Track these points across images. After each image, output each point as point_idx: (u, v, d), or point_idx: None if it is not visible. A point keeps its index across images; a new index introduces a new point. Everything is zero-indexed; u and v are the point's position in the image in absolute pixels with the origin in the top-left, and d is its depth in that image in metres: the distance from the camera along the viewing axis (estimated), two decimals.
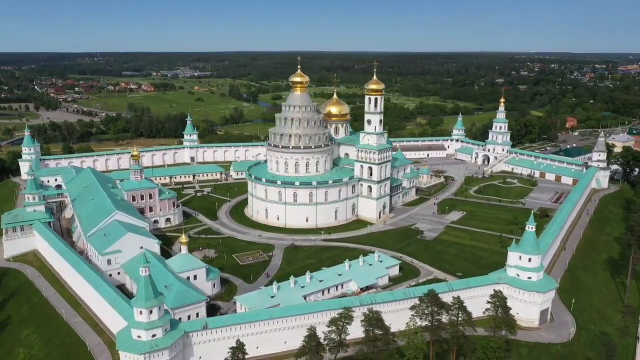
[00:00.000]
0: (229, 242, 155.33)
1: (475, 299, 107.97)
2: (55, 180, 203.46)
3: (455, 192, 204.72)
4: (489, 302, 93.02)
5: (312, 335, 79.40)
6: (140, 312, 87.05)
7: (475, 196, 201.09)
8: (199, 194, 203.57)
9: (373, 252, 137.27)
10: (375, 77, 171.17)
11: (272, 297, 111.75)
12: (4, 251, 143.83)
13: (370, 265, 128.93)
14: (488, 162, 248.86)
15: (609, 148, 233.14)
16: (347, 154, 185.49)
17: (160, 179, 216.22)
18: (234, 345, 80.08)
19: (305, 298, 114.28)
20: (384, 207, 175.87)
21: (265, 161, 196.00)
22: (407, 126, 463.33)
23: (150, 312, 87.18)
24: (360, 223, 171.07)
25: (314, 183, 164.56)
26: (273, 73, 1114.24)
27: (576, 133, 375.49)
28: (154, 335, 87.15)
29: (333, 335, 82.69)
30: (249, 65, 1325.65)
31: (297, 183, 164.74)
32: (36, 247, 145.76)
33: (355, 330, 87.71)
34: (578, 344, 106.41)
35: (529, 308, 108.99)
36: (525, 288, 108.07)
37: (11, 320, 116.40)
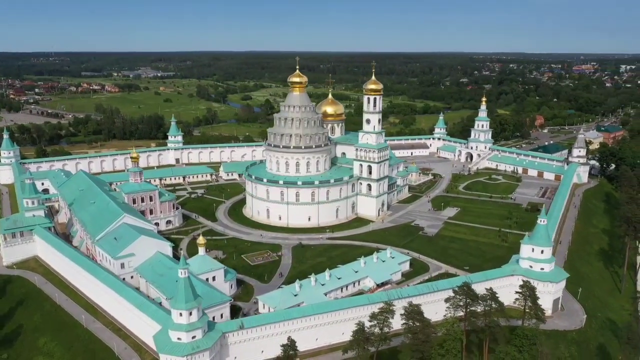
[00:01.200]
0: (234, 243, 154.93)
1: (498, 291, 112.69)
2: (42, 184, 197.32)
3: (446, 189, 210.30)
4: (518, 292, 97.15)
5: (359, 330, 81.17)
6: (180, 314, 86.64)
7: (465, 192, 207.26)
8: (192, 196, 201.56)
9: (380, 250, 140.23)
10: (373, 77, 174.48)
11: (295, 295, 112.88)
12: (2, 258, 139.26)
13: (383, 261, 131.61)
14: (471, 159, 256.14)
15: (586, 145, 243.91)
16: (344, 153, 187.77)
17: (150, 181, 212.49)
18: (285, 342, 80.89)
19: (325, 295, 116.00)
20: (383, 204, 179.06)
21: (261, 161, 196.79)
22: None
23: (190, 313, 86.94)
24: (361, 221, 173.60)
25: (317, 182, 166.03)
26: (238, 73, 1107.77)
27: (545, 130, 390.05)
28: (193, 337, 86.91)
29: (375, 330, 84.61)
30: (213, 66, 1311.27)
31: (299, 183, 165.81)
32: (36, 253, 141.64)
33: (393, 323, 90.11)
34: (590, 331, 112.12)
35: (543, 297, 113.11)
36: (539, 278, 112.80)
37: (24, 328, 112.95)
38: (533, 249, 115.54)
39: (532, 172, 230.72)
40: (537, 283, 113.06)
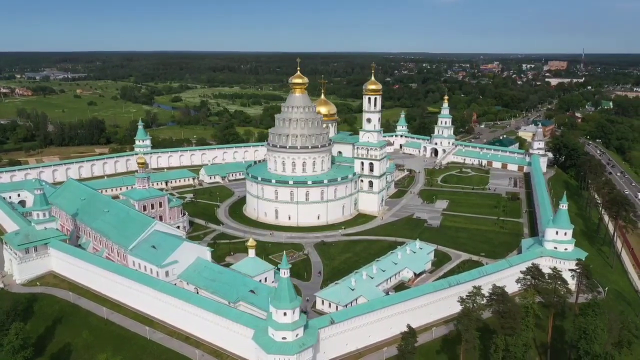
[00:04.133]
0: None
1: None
2: (18, 195, 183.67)
3: (425, 183, 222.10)
4: (572, 270, 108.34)
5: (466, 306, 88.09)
6: (285, 314, 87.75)
7: (445, 185, 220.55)
8: (184, 201, 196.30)
9: (400, 243, 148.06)
10: (373, 78, 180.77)
11: (352, 290, 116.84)
12: (16, 276, 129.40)
13: (414, 252, 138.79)
14: (436, 154, 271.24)
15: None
16: (340, 152, 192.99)
17: (132, 187, 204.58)
18: (405, 330, 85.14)
19: (377, 287, 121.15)
20: (382, 200, 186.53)
21: (259, 161, 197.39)
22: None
23: (293, 312, 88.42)
24: (365, 217, 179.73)
25: (325, 181, 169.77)
26: (157, 74, 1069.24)
27: (482, 126, 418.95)
28: (297, 335, 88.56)
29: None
30: (126, 66, 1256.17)
31: (309, 182, 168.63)
32: (52, 268, 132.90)
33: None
34: (609, 301, 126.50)
35: (566, 275, 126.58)
36: (565, 258, 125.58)
37: (73, 346, 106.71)
38: (557, 232, 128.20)
39: (497, 165, 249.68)
40: (563, 262, 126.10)
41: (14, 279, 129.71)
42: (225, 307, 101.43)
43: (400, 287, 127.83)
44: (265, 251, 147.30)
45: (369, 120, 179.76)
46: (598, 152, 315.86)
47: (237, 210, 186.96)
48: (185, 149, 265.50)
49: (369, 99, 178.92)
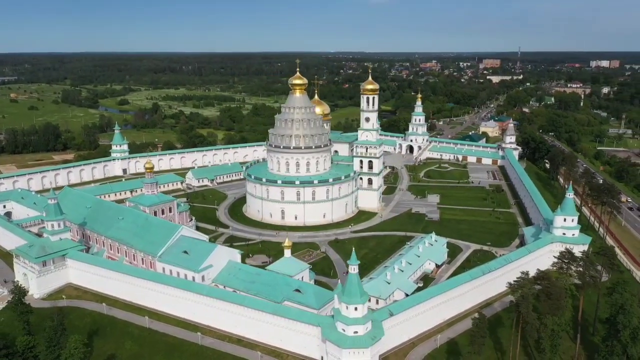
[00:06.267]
0: (268, 246, 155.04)
1: (540, 258, 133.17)
2: (4, 207, 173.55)
3: (410, 179, 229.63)
4: (595, 253, 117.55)
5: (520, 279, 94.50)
6: (355, 309, 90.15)
7: (430, 180, 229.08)
8: None
9: (409, 237, 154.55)
10: (370, 78, 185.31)
11: (388, 283, 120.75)
12: (34, 290, 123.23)
13: (431, 245, 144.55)
14: (411, 151, 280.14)
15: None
16: (336, 151, 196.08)
17: (120, 194, 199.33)
18: (476, 317, 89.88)
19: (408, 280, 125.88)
20: (380, 197, 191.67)
21: (256, 162, 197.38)
22: None
23: (363, 307, 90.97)
24: (367, 214, 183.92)
25: (331, 180, 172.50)
26: (94, 76, 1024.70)
27: (441, 122, 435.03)
28: (367, 329, 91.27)
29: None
30: (60, 69, 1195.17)
31: (315, 182, 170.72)
32: (69, 280, 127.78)
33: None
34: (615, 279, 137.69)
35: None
36: (574, 242, 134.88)
37: (117, 357, 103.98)
38: (565, 219, 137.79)
39: (472, 159, 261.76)
40: (572, 247, 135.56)
41: (30, 293, 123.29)
42: (283, 307, 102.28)
43: (425, 278, 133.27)
44: (278, 252, 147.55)
45: (367, 119, 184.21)
46: (554, 145, 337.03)
47: (237, 212, 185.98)
48: (163, 153, 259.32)
49: (367, 98, 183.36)
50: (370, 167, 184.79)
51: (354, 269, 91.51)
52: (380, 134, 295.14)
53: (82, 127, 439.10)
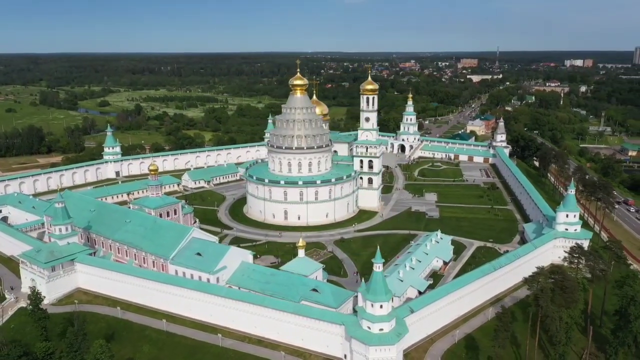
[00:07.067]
0: (274, 246, 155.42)
1: (545, 253, 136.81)
2: (0, 211, 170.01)
3: (409, 177, 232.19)
4: (606, 246, 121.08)
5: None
6: (381, 306, 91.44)
7: (425, 179, 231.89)
8: None
9: (413, 234, 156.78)
10: (369, 78, 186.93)
11: (401, 281, 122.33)
12: (44, 295, 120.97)
13: (438, 242, 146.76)
14: (403, 150, 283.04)
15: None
16: (335, 151, 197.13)
17: (116, 197, 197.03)
18: (500, 311, 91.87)
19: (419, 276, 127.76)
20: (380, 196, 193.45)
21: (255, 162, 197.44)
22: None
23: (388, 304, 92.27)
24: (368, 213, 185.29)
25: (333, 180, 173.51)
26: (71, 78, 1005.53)
27: (427, 122, 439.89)
28: (391, 326, 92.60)
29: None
30: (34, 70, 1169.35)
31: (318, 182, 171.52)
32: (78, 285, 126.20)
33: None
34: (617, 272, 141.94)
35: None
36: (576, 237, 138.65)
37: None
38: (567, 215, 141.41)
39: (463, 157, 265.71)
40: (574, 241, 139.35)
41: (33, 299, 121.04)
42: (305, 306, 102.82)
43: (434, 275, 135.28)
44: (284, 253, 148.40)
45: (367, 119, 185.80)
46: (543, 143, 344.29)
47: (238, 213, 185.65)
48: (156, 154, 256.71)
49: (367, 98, 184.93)
50: (371, 166, 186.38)
51: (378, 267, 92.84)
52: None
53: (65, 130, 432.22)
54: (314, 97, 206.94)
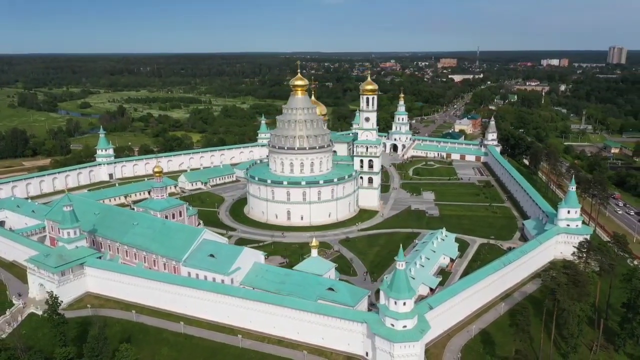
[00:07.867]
0: (280, 247, 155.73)
1: (548, 249, 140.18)
2: None
3: (404, 177, 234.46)
4: (610, 241, 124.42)
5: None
6: (404, 304, 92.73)
7: (420, 178, 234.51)
8: None
9: (415, 232, 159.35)
10: (369, 78, 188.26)
11: (413, 278, 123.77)
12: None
13: (443, 240, 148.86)
14: (395, 150, 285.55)
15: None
16: (335, 151, 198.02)
17: (114, 199, 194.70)
18: (512, 306, 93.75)
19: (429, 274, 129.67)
20: (379, 195, 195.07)
21: (254, 163, 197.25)
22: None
23: (411, 301, 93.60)
24: (369, 212, 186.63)
25: (335, 179, 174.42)
26: (48, 79, 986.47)
27: (414, 121, 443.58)
28: (414, 323, 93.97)
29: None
30: (8, 71, 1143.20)
31: (321, 182, 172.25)
32: (88, 289, 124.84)
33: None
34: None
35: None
36: (577, 233, 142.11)
37: None
38: (569, 211, 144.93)
39: (455, 156, 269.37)
40: (575, 237, 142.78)
41: (51, 304, 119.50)
42: (326, 305, 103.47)
43: (442, 272, 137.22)
44: (290, 253, 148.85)
45: (367, 119, 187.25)
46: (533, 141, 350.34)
47: (240, 214, 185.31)
48: (149, 156, 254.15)
49: (367, 99, 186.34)
50: (371, 166, 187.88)
51: (401, 265, 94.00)
52: None
53: (48, 132, 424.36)
54: (312, 97, 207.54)
